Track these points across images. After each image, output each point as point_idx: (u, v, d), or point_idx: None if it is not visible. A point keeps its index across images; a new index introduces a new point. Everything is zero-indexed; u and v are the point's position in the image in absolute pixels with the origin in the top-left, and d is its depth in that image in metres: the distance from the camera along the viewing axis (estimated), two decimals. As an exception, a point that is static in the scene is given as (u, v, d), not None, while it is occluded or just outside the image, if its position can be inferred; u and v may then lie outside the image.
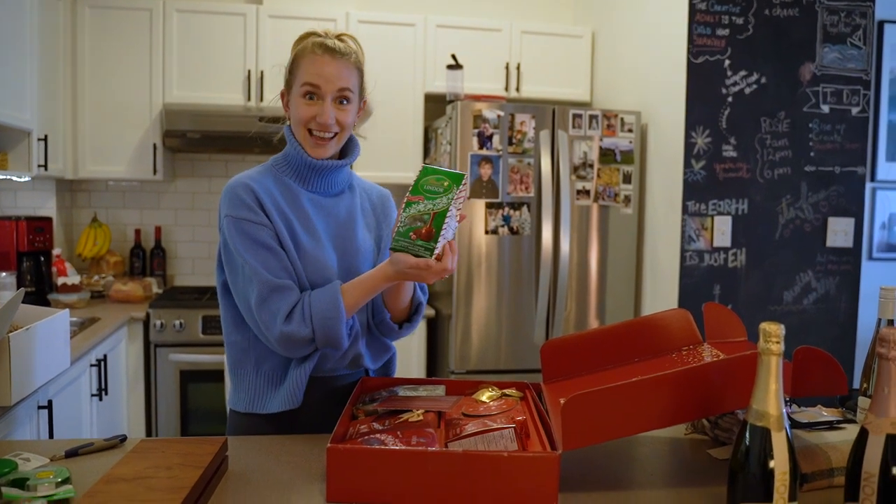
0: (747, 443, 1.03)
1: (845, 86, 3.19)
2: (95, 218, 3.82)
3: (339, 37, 1.59)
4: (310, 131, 1.53)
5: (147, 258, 3.88)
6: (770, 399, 1.03)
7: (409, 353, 3.58)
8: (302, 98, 1.51)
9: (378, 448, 1.18)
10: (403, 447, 1.20)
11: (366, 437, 1.26)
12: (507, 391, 1.54)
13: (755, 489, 1.02)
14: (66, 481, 1.22)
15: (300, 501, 1.18)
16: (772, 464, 1.01)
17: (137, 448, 1.29)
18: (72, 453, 1.39)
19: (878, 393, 1.03)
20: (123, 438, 1.47)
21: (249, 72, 3.59)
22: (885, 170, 4.39)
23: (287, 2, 3.73)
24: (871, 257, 4.40)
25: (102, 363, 2.78)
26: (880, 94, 4.30)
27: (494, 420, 1.32)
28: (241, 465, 1.35)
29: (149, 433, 3.32)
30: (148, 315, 3.28)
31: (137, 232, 3.87)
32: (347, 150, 1.65)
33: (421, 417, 1.33)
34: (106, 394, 2.82)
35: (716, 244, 3.05)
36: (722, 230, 3.04)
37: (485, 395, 1.48)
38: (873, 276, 4.35)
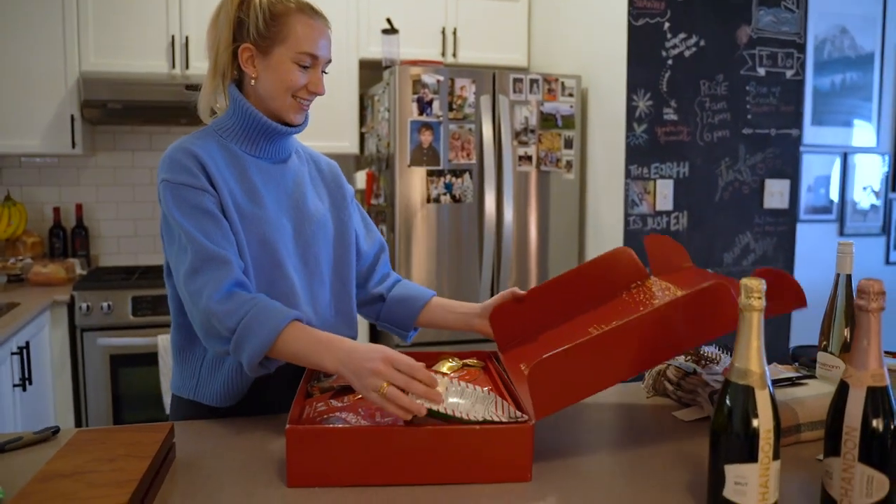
0: (729, 402, 1.00)
1: (780, 49, 3.22)
2: (9, 196, 3.57)
3: None
4: (294, 97, 1.44)
5: (68, 238, 3.66)
6: (752, 356, 1.00)
7: (351, 328, 3.49)
8: (295, 65, 1.40)
9: (342, 427, 1.10)
10: (369, 424, 1.14)
11: (325, 417, 1.18)
12: (467, 361, 1.48)
13: (739, 449, 0.99)
14: (-7, 480, 1.11)
15: (258, 487, 1.10)
16: (756, 422, 0.98)
17: (74, 440, 1.18)
18: (-2, 449, 1.27)
19: (857, 346, 1.01)
20: (56, 430, 1.35)
21: (173, 37, 3.39)
22: (812, 134, 4.50)
23: (210, -36, 3.53)
24: (798, 219, 4.53)
25: (25, 351, 2.60)
26: (805, 60, 4.40)
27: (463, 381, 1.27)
28: (190, 451, 1.25)
29: (78, 423, 3.14)
30: (72, 298, 3.09)
31: (56, 210, 3.64)
32: None
33: None
34: (30, 383, 2.64)
35: (658, 208, 3.06)
36: (664, 194, 3.05)
37: (445, 367, 1.42)
38: (803, 237, 4.48)
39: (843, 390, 1.03)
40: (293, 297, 1.44)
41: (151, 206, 3.80)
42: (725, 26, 3.10)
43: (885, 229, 4.92)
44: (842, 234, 4.70)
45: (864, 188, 4.83)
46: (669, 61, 3.02)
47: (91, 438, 1.18)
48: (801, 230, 4.54)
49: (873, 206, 4.89)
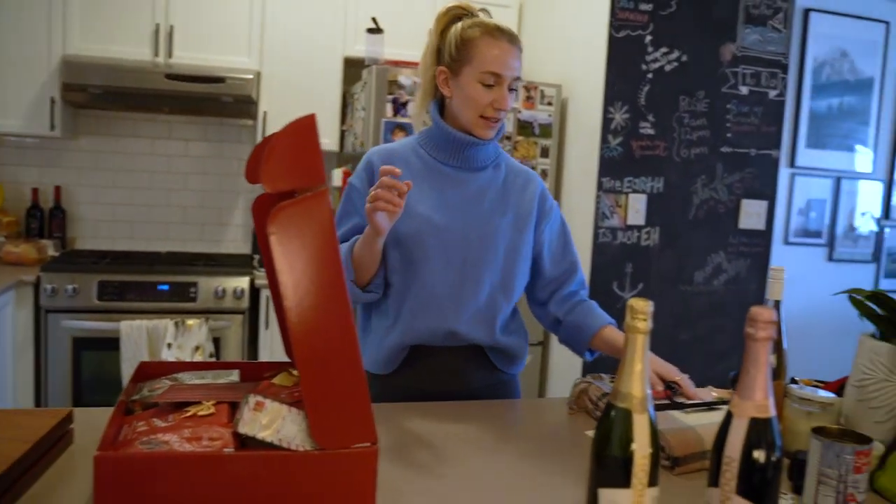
0: (609, 425, 0.98)
1: (764, 68, 3.19)
2: (-12, 175, 3.59)
3: (483, 9, 1.64)
4: (481, 116, 1.58)
5: (45, 219, 3.66)
6: (634, 380, 0.97)
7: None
8: (479, 84, 1.54)
9: (162, 452, 0.97)
10: (194, 449, 1.00)
11: (145, 439, 1.03)
12: None
13: (615, 474, 0.97)
14: None
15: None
16: (632, 447, 0.96)
17: (-32, 420, 1.18)
18: None
19: (743, 375, 0.99)
20: (-35, 410, 1.35)
21: (158, 25, 3.39)
22: (805, 156, 4.47)
23: (202, -47, 3.53)
24: (787, 242, 4.49)
25: (-18, 328, 2.60)
26: (803, 81, 4.37)
27: (301, 408, 1.13)
28: (91, 438, 1.24)
29: (38, 404, 3.14)
30: (38, 279, 3.09)
31: (35, 191, 3.64)
32: None
33: (213, 410, 1.12)
34: (-14, 361, 2.65)
35: (629, 222, 3.02)
36: (636, 208, 3.02)
37: (288, 379, 1.27)
38: (789, 260, 4.45)
39: (727, 420, 1.00)
40: (431, 290, 1.59)
41: (130, 191, 3.80)
42: (709, 43, 3.07)
43: (876, 256, 4.88)
44: (831, 259, 4.67)
45: (863, 214, 4.80)
46: (649, 75, 2.99)
47: (-15, 419, 1.18)
48: (790, 253, 4.51)
49: (872, 233, 4.85)
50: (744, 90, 3.15)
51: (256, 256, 3.67)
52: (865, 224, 4.78)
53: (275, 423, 1.04)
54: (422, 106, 1.68)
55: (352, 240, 1.56)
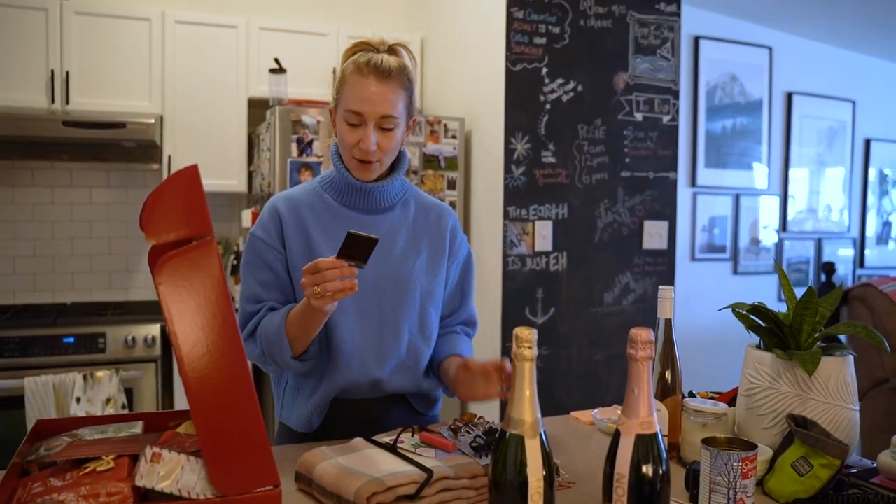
0: (503, 451, 1.01)
1: (656, 95, 3.34)
2: None
3: (392, 47, 1.54)
4: (353, 156, 1.51)
5: (-61, 276, 3.50)
6: (525, 406, 1.01)
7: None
8: (344, 122, 1.48)
9: None
10: None
11: (40, 500, 1.00)
12: None
13: (511, 498, 1.00)
14: None
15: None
16: (526, 471, 0.99)
17: None
18: None
19: (628, 394, 1.04)
20: None
21: (53, 72, 3.31)
22: (705, 176, 4.69)
23: (97, -2, 3.49)
24: (693, 258, 4.68)
25: None
26: (698, 105, 4.59)
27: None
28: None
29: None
30: (-68, 339, 2.95)
31: (-73, 247, 3.48)
32: (395, 165, 1.60)
33: (112, 465, 1.09)
34: None
35: (537, 248, 3.10)
36: (543, 234, 3.10)
37: (192, 427, 1.24)
38: (696, 276, 4.63)
39: (615, 438, 1.05)
40: (351, 343, 1.53)
41: (31, 243, 3.67)
42: (602, 72, 3.20)
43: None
44: (736, 272, 4.88)
45: (765, 227, 5.04)
46: (548, 105, 3.10)
47: None
48: (697, 269, 4.69)
49: (773, 245, 5.10)
50: (638, 116, 3.30)
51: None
52: (768, 237, 5.03)
53: (173, 473, 1.04)
54: (329, 144, 1.63)
55: (282, 311, 1.48)
